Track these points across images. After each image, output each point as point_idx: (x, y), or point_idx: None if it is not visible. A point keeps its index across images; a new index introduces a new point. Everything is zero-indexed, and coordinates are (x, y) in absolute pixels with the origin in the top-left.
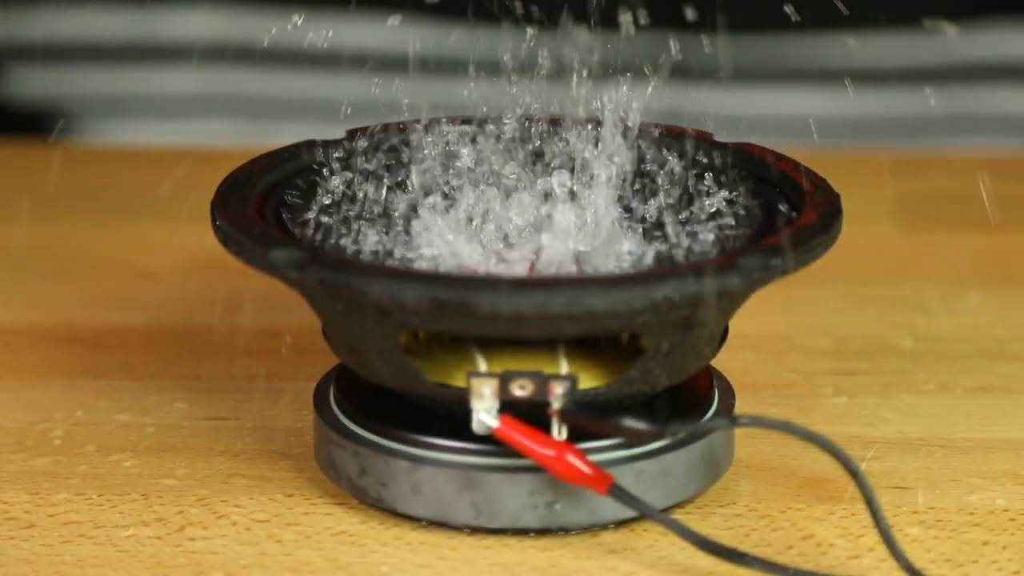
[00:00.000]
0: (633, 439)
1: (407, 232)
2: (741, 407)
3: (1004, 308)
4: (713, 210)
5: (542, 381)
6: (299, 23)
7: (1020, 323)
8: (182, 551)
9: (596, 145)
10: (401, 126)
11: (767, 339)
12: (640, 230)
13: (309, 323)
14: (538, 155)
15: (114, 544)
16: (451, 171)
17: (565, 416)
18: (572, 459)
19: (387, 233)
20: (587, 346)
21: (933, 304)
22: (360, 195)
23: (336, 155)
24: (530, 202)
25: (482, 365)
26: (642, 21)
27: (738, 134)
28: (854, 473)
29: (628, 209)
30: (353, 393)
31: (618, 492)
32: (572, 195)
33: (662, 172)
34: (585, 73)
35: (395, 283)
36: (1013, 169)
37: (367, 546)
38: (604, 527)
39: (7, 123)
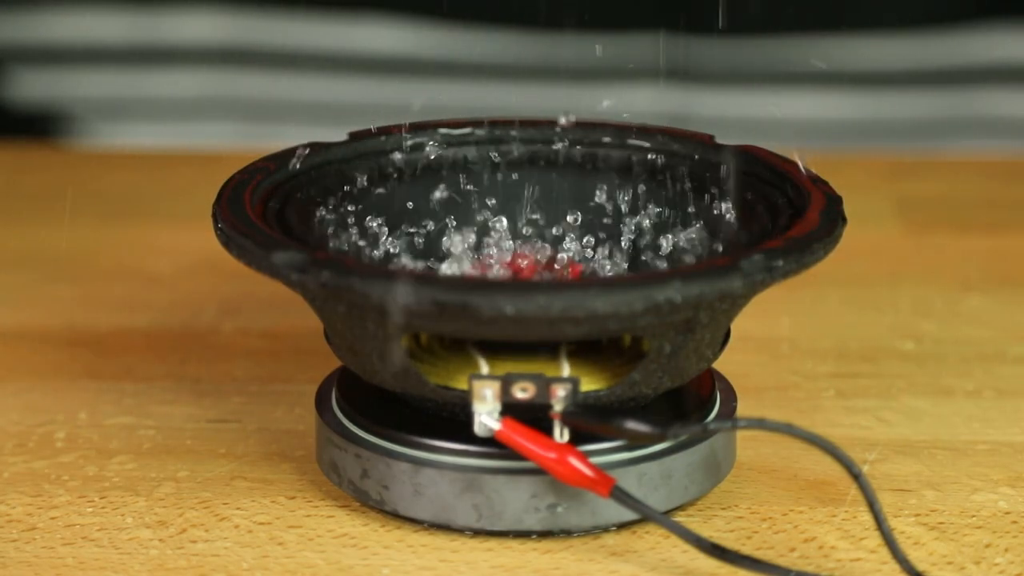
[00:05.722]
0: (635, 441)
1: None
2: (743, 409)
3: (1005, 310)
4: (714, 212)
5: (544, 384)
6: (300, 25)
7: (1021, 325)
8: (184, 554)
9: (597, 146)
10: (403, 128)
11: (769, 341)
12: (641, 232)
13: (311, 325)
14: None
15: (116, 547)
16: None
17: (567, 418)
18: (574, 461)
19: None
20: (589, 348)
21: (934, 306)
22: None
23: (340, 157)
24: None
25: (484, 368)
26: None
27: (739, 136)
28: (856, 475)
29: (630, 212)
30: (355, 395)
31: (620, 494)
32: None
33: (664, 174)
34: (587, 75)
35: (397, 286)
36: (1013, 171)
37: (369, 548)
38: (606, 530)
39: (9, 125)
